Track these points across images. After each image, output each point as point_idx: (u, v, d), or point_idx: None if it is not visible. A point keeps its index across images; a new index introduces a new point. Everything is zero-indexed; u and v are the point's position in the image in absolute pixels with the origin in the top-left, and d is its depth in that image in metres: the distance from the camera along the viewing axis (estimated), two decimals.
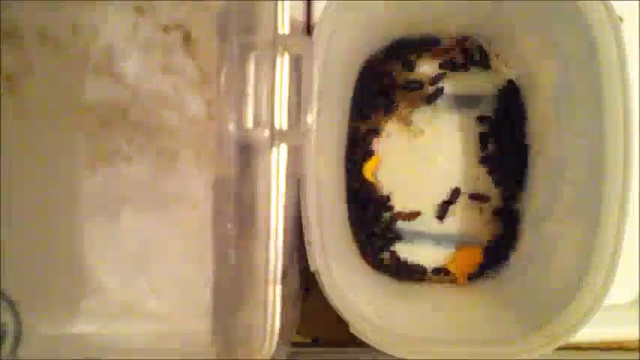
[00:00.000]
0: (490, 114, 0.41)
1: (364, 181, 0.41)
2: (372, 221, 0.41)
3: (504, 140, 0.41)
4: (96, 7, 0.24)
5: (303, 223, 0.31)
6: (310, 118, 0.23)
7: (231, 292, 0.25)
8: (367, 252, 0.41)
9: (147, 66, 0.24)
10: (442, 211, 0.41)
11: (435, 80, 0.41)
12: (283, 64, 0.23)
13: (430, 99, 0.41)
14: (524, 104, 0.40)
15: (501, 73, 0.41)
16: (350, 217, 0.40)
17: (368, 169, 0.41)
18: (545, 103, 0.37)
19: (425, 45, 0.42)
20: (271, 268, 0.23)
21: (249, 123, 0.23)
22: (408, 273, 0.41)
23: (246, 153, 0.24)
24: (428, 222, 0.41)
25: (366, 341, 0.31)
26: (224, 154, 0.24)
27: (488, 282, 0.40)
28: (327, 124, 0.34)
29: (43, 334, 0.24)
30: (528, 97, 0.40)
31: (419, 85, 0.41)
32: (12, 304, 0.23)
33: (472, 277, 0.41)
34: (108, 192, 0.24)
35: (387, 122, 0.42)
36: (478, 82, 0.42)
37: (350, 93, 0.41)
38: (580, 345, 0.39)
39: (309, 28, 0.39)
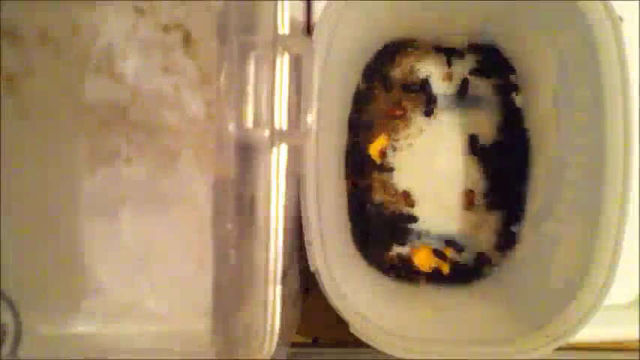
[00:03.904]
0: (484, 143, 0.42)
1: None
2: (372, 220, 0.41)
3: (504, 140, 0.41)
4: (96, 7, 0.23)
5: (303, 223, 0.31)
6: (310, 118, 0.23)
7: (231, 292, 0.25)
8: (367, 252, 0.41)
9: (147, 66, 0.24)
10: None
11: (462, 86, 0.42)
12: (283, 64, 0.23)
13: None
14: (525, 104, 0.41)
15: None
16: (350, 217, 0.40)
17: (374, 148, 0.41)
18: (546, 103, 0.37)
19: (425, 46, 0.42)
20: (271, 268, 0.23)
21: (249, 123, 0.23)
22: (409, 273, 0.41)
23: (246, 153, 0.24)
24: (428, 223, 0.42)
25: (366, 341, 0.31)
26: (224, 154, 0.24)
27: (488, 282, 0.40)
28: (327, 124, 0.34)
29: (43, 334, 0.24)
30: (529, 97, 0.40)
31: (419, 86, 0.42)
32: (12, 304, 0.23)
33: (469, 277, 0.41)
34: (108, 192, 0.24)
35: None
36: (478, 82, 0.42)
37: (351, 92, 0.41)
38: (580, 345, 0.39)
39: (309, 28, 0.39)
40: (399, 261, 0.41)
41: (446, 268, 0.41)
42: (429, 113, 0.41)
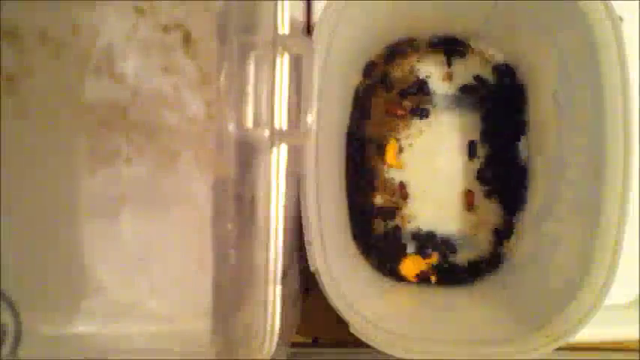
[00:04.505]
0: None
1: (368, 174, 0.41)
2: (372, 219, 0.41)
3: (504, 140, 0.41)
4: (96, 7, 0.23)
5: (303, 223, 0.31)
6: (310, 118, 0.23)
7: (231, 292, 0.25)
8: (367, 252, 0.41)
9: (147, 66, 0.24)
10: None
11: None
12: (283, 64, 0.23)
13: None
14: (525, 103, 0.41)
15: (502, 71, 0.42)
16: (350, 218, 0.40)
17: (390, 154, 0.41)
18: (546, 103, 0.37)
19: (425, 46, 0.42)
20: (271, 268, 0.23)
21: (249, 123, 0.23)
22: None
23: (246, 153, 0.24)
24: (428, 223, 0.41)
25: (366, 341, 0.31)
26: (224, 154, 0.24)
27: (488, 282, 0.40)
28: (327, 124, 0.34)
29: (43, 334, 0.24)
30: (529, 97, 0.40)
31: (417, 87, 0.42)
32: (12, 304, 0.23)
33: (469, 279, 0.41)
34: (108, 192, 0.24)
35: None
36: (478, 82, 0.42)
37: (351, 93, 0.41)
38: (580, 345, 0.39)
39: (309, 28, 0.39)
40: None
41: (433, 278, 0.41)
42: (423, 115, 0.41)
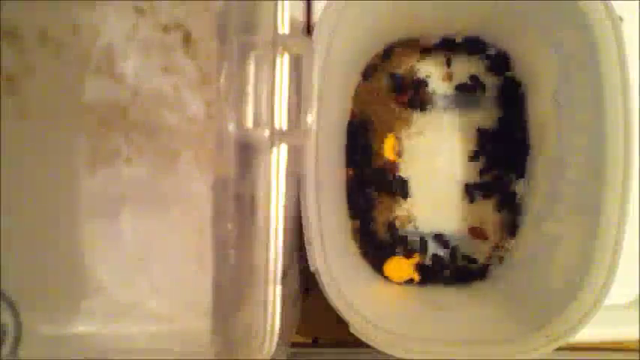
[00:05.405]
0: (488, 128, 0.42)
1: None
2: (372, 218, 0.41)
3: (504, 140, 0.41)
4: (96, 7, 0.23)
5: (303, 223, 0.31)
6: (310, 118, 0.23)
7: (231, 292, 0.25)
8: (367, 252, 0.41)
9: (147, 66, 0.24)
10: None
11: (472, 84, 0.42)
12: (283, 64, 0.23)
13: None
14: (525, 103, 0.41)
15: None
16: (350, 217, 0.40)
17: (388, 149, 0.41)
18: (546, 103, 0.37)
19: (425, 46, 0.42)
20: (271, 268, 0.23)
21: (249, 123, 0.23)
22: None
23: (246, 153, 0.24)
24: (427, 223, 0.41)
25: (366, 341, 0.31)
26: (224, 154, 0.24)
27: (488, 282, 0.40)
28: (327, 124, 0.34)
29: (43, 334, 0.24)
30: (529, 97, 0.40)
31: (414, 88, 0.41)
32: (12, 304, 0.23)
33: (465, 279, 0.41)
34: (108, 192, 0.24)
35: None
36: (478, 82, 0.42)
37: (351, 93, 0.41)
38: (580, 345, 0.39)
39: (309, 28, 0.39)
40: None
41: (416, 277, 0.41)
42: (423, 114, 0.41)
